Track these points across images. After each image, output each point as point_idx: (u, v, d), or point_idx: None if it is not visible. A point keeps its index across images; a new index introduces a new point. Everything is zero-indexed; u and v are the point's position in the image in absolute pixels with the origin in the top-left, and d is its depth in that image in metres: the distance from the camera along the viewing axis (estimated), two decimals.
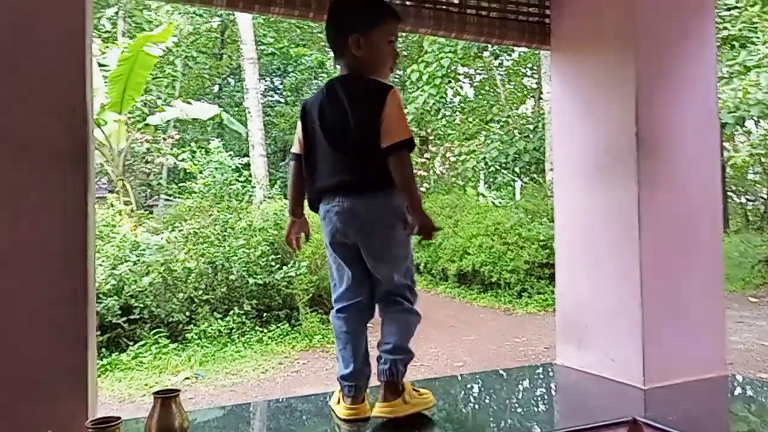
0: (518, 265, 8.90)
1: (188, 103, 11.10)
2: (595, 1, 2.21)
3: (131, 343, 6.02)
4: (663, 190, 2.05)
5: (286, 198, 9.74)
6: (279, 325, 6.77)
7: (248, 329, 6.58)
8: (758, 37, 9.06)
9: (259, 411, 2.02)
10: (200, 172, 8.41)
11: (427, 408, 1.69)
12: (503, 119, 14.46)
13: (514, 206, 11.30)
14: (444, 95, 13.44)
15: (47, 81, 1.53)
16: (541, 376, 2.41)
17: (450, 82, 13.56)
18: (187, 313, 6.44)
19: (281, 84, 21.55)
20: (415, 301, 1.68)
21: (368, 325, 1.72)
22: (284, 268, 7.01)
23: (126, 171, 10.08)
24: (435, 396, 1.75)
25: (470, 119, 15.52)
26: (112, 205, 8.11)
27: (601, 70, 2.20)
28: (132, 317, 6.12)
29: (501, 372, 2.60)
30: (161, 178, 14.74)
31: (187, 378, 5.36)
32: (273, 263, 7.04)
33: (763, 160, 12.20)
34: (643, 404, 1.88)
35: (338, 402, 1.70)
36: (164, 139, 11.45)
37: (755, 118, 8.62)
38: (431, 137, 15.38)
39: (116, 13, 16.23)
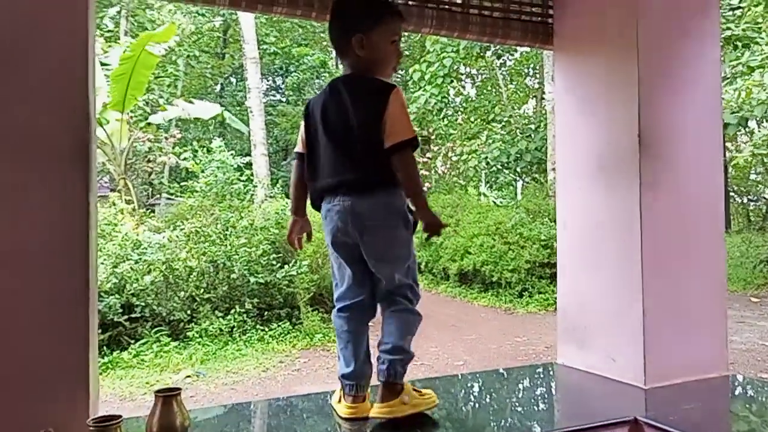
0: (519, 264, 8.91)
1: (190, 102, 11.13)
2: (599, 1, 2.21)
3: (132, 342, 6.03)
4: (665, 190, 2.05)
5: (287, 197, 9.76)
6: (280, 323, 6.78)
7: (249, 328, 6.59)
8: (762, 37, 9.04)
9: (260, 409, 2.02)
10: (202, 171, 8.43)
11: (428, 409, 1.68)
12: (505, 119, 14.46)
13: (516, 206, 11.30)
14: (446, 95, 13.45)
15: (50, 80, 1.53)
16: (542, 376, 2.41)
17: (452, 81, 13.56)
18: (189, 312, 6.45)
19: (283, 83, 21.58)
20: (417, 301, 1.67)
21: (370, 324, 1.72)
22: (285, 267, 7.02)
23: (128, 170, 10.10)
24: (439, 398, 1.73)
25: (472, 119, 15.51)
26: (113, 204, 8.13)
27: (603, 70, 2.19)
28: (133, 315, 6.13)
29: (501, 371, 2.60)
30: (163, 177, 14.77)
31: (188, 376, 5.37)
32: (274, 262, 7.05)
33: (765, 160, 12.19)
34: (644, 404, 1.87)
35: (339, 401, 1.71)
36: (166, 138, 11.47)
37: (758, 119, 8.60)
38: (433, 137, 15.39)
39: (119, 12, 16.26)
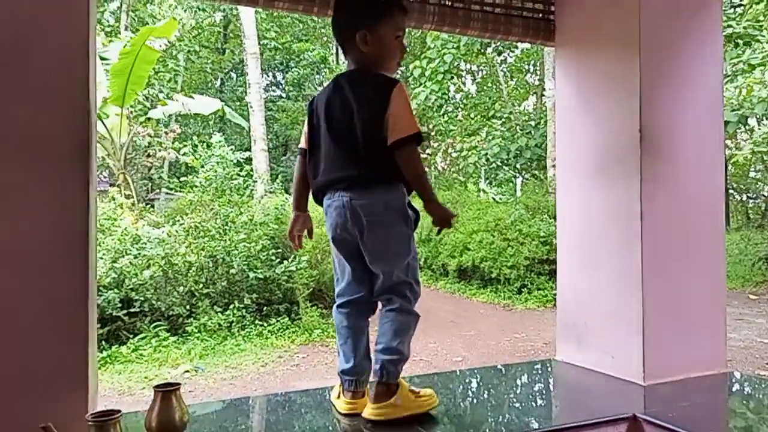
0: (518, 261, 8.91)
1: (190, 97, 11.09)
2: None
3: (131, 336, 6.03)
4: (665, 187, 2.05)
5: (287, 192, 9.79)
6: (279, 319, 6.79)
7: (248, 323, 6.60)
8: (763, 35, 9.02)
9: (259, 405, 2.02)
10: (202, 166, 8.42)
11: (423, 412, 1.64)
12: (505, 116, 14.45)
13: (515, 202, 11.31)
14: (446, 91, 13.41)
15: (50, 80, 1.52)
16: (541, 372, 2.41)
17: (452, 78, 13.53)
18: (188, 307, 6.46)
19: (283, 79, 21.55)
20: (416, 300, 1.65)
21: (370, 320, 1.72)
22: (285, 262, 7.02)
23: (127, 164, 10.09)
24: (438, 396, 1.72)
25: (472, 115, 15.49)
26: (113, 199, 8.12)
27: (605, 66, 2.19)
28: (132, 310, 6.13)
29: (500, 368, 2.60)
30: (163, 172, 14.76)
31: (187, 371, 5.38)
32: (273, 257, 7.05)
33: (765, 158, 12.18)
34: (643, 401, 1.88)
35: (338, 396, 1.71)
36: (166, 133, 11.45)
37: (758, 116, 8.60)
38: (433, 133, 15.37)
39: (119, 7, 16.22)
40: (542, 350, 6.05)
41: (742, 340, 6.12)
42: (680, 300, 2.07)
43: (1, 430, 1.45)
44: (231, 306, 6.61)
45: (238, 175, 8.44)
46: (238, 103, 18.30)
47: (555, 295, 2.46)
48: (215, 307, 6.58)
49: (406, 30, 1.77)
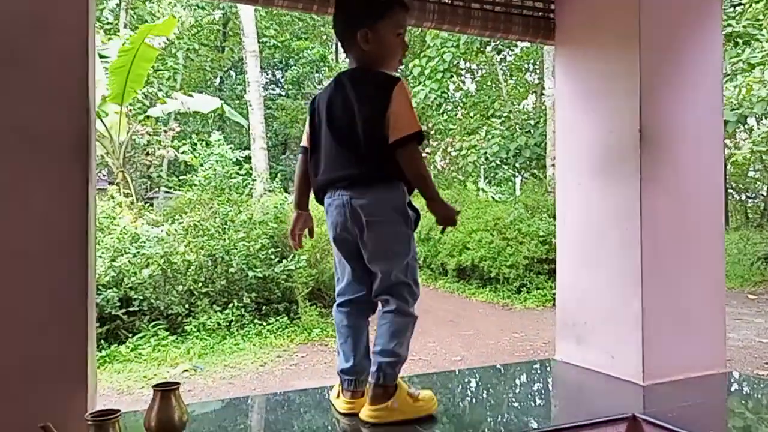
0: (517, 260, 8.91)
1: (189, 95, 11.09)
2: None
3: (130, 335, 6.02)
4: (665, 186, 2.05)
5: (286, 191, 9.78)
6: (278, 318, 6.78)
7: (247, 322, 6.59)
8: (762, 34, 9.02)
9: (258, 404, 2.02)
10: (201, 165, 8.40)
11: (420, 416, 1.62)
12: (504, 114, 14.44)
13: (514, 202, 11.30)
14: (446, 90, 13.40)
15: (50, 74, 1.52)
16: (540, 372, 2.41)
17: (452, 76, 13.53)
18: (187, 306, 6.45)
19: (283, 77, 21.52)
20: (414, 301, 1.64)
21: (370, 319, 1.71)
22: (284, 261, 7.02)
23: (126, 163, 10.07)
24: (436, 396, 1.72)
25: (471, 114, 15.49)
26: (112, 197, 8.11)
27: (605, 65, 2.19)
28: (131, 309, 6.12)
29: (499, 367, 2.60)
30: (162, 171, 14.75)
31: (186, 370, 5.37)
32: (272, 256, 7.05)
33: (764, 157, 12.19)
34: (642, 401, 1.88)
35: (338, 396, 1.71)
36: (165, 131, 11.43)
37: (758, 116, 8.60)
38: (432, 132, 15.36)
39: (118, 4, 16.19)
40: (541, 350, 6.05)
41: (741, 340, 6.12)
42: (679, 300, 2.07)
43: (1, 430, 1.45)
44: (230, 305, 6.60)
45: (238, 173, 8.43)
46: (237, 102, 18.28)
47: (554, 294, 2.47)
48: (214, 306, 6.57)
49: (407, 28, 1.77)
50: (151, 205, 11.77)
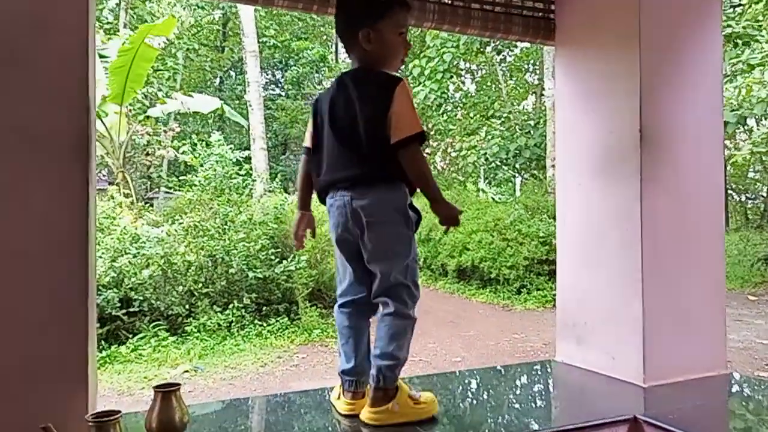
0: (518, 261, 8.91)
1: (189, 95, 11.08)
2: None
3: (131, 336, 6.02)
4: (666, 187, 2.05)
5: (286, 192, 9.77)
6: (278, 319, 6.78)
7: (247, 323, 6.59)
8: (762, 35, 9.02)
9: (258, 405, 2.02)
10: (201, 165, 8.39)
11: (420, 419, 1.62)
12: (504, 115, 14.44)
13: (514, 202, 11.30)
14: (445, 90, 13.41)
15: (50, 74, 1.52)
16: (540, 373, 2.41)
17: (452, 77, 13.53)
18: (187, 306, 6.45)
19: (282, 77, 21.52)
20: (414, 303, 1.63)
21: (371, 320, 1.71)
22: (284, 262, 7.01)
23: (126, 163, 10.08)
24: (437, 397, 1.72)
25: (471, 115, 15.49)
26: (112, 198, 8.11)
27: (605, 65, 2.19)
28: (131, 310, 6.12)
29: (499, 368, 2.60)
30: (162, 171, 14.75)
31: (186, 371, 5.37)
32: (273, 257, 7.04)
33: (763, 158, 12.19)
34: (643, 402, 1.87)
35: (339, 397, 1.70)
36: (165, 131, 11.44)
37: (758, 117, 8.60)
38: (432, 132, 15.36)
39: (118, 4, 16.19)
40: (542, 351, 6.05)
41: (741, 341, 6.12)
42: (680, 301, 2.07)
43: (1, 430, 1.45)
44: (230, 306, 6.60)
45: (238, 174, 8.42)
46: (237, 102, 18.28)
47: (554, 295, 2.46)
48: (214, 306, 6.57)
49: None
50: (151, 205, 11.76)
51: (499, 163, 14.00)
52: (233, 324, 6.46)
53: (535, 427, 1.69)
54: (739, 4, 9.68)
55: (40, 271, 1.50)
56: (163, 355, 5.76)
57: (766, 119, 9.35)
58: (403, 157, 1.52)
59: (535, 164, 13.14)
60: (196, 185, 8.00)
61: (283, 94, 21.08)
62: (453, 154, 14.70)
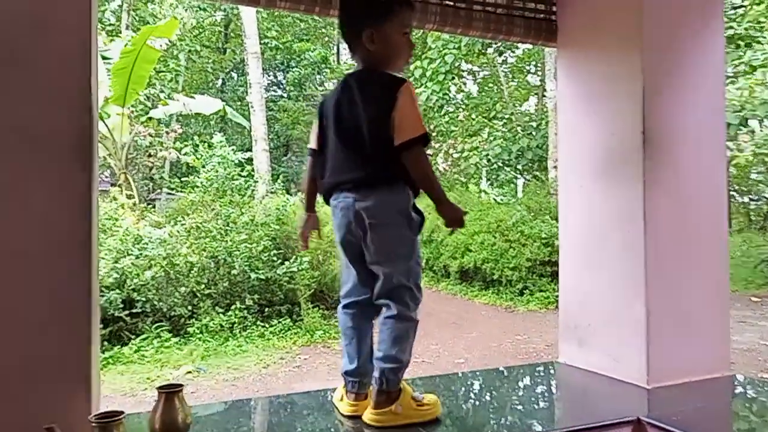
0: (520, 262, 8.90)
1: (191, 97, 11.11)
2: None
3: (133, 337, 6.03)
4: (669, 188, 2.04)
5: (288, 193, 9.79)
6: (280, 320, 6.78)
7: (250, 324, 6.59)
8: (764, 36, 9.01)
9: (261, 406, 2.02)
10: (203, 167, 8.42)
11: (423, 421, 1.62)
12: (506, 116, 14.43)
13: (517, 203, 11.29)
14: (447, 92, 13.40)
15: (52, 75, 1.52)
16: (543, 375, 2.41)
17: (453, 78, 13.51)
18: (189, 307, 6.46)
19: (284, 79, 21.55)
20: (416, 306, 1.62)
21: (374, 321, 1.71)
22: (286, 263, 7.02)
23: (129, 164, 10.10)
24: (439, 396, 1.72)
25: (473, 116, 15.46)
26: (114, 199, 8.12)
27: (607, 67, 2.19)
28: (134, 311, 6.13)
29: (502, 370, 2.60)
30: (164, 172, 14.76)
31: (189, 372, 5.38)
32: (275, 258, 7.05)
33: (766, 159, 12.16)
34: (646, 404, 1.87)
35: (341, 398, 1.70)
36: (167, 132, 11.46)
37: (760, 118, 8.59)
38: (434, 134, 15.34)
39: (120, 6, 16.23)
40: (544, 352, 6.04)
41: (745, 343, 6.10)
42: (683, 302, 2.06)
43: (5, 431, 1.45)
44: (233, 307, 6.61)
45: (239, 175, 8.45)
46: (239, 103, 18.31)
47: (557, 296, 2.46)
48: (217, 308, 6.58)
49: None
50: (154, 206, 11.78)
51: (501, 165, 13.97)
52: (236, 325, 6.47)
53: (538, 428, 1.69)
54: (741, 6, 9.67)
55: (43, 273, 1.50)
56: (166, 356, 5.77)
57: None
58: (407, 160, 1.51)
59: (537, 165, 13.12)
60: (198, 186, 8.02)
61: (285, 95, 21.11)
62: (455, 156, 14.68)
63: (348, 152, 1.58)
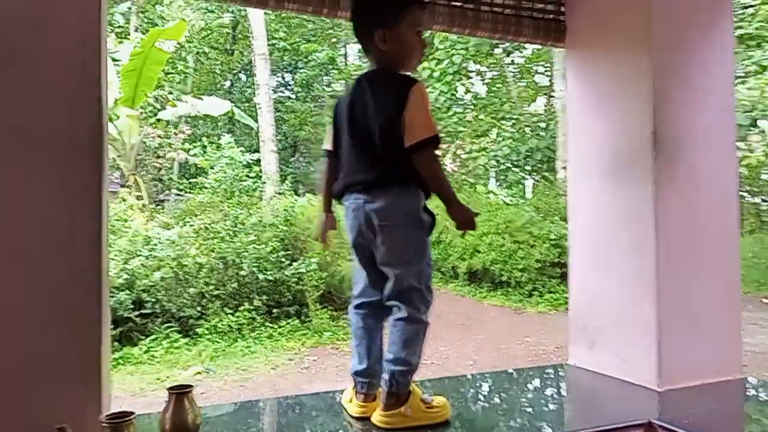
0: (529, 263, 8.87)
1: (200, 98, 11.16)
2: None
3: (143, 337, 6.06)
4: (679, 189, 2.03)
5: (296, 194, 9.81)
6: (289, 321, 6.80)
7: (258, 325, 6.61)
8: None
9: (270, 407, 2.03)
10: (211, 168, 8.46)
11: (433, 423, 1.61)
12: (514, 117, 14.38)
13: (525, 204, 11.25)
14: (455, 92, 13.40)
15: (62, 76, 1.53)
16: (553, 377, 2.39)
17: (461, 79, 13.51)
18: (198, 308, 6.48)
19: (292, 80, 21.58)
20: (427, 308, 1.61)
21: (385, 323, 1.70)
22: (294, 264, 7.03)
23: (138, 166, 10.15)
24: (448, 398, 1.72)
25: (481, 116, 15.43)
26: (124, 200, 8.17)
27: (617, 67, 2.17)
28: (144, 311, 6.17)
29: (511, 372, 2.58)
30: (172, 173, 14.82)
31: (198, 373, 5.40)
32: (283, 259, 7.07)
33: None
34: (658, 407, 1.86)
35: (351, 400, 1.70)
36: (176, 134, 11.51)
37: None
38: (442, 134, 15.30)
39: (129, 8, 16.32)
40: (554, 354, 6.01)
41: (757, 345, 6.04)
42: (694, 304, 2.05)
43: (14, 431, 1.46)
44: (241, 308, 6.63)
45: (248, 176, 8.48)
46: (247, 105, 18.35)
47: (566, 298, 2.44)
48: (225, 308, 6.60)
49: None
50: (163, 207, 11.83)
51: (509, 165, 13.94)
52: (244, 326, 6.49)
53: (548, 431, 1.68)
54: (751, 5, 9.59)
55: (53, 273, 1.51)
56: (175, 356, 5.79)
57: None
58: (417, 161, 1.51)
59: (546, 166, 13.08)
60: (206, 187, 8.06)
61: (293, 96, 21.14)
62: (463, 156, 14.65)
63: (360, 153, 1.58)
